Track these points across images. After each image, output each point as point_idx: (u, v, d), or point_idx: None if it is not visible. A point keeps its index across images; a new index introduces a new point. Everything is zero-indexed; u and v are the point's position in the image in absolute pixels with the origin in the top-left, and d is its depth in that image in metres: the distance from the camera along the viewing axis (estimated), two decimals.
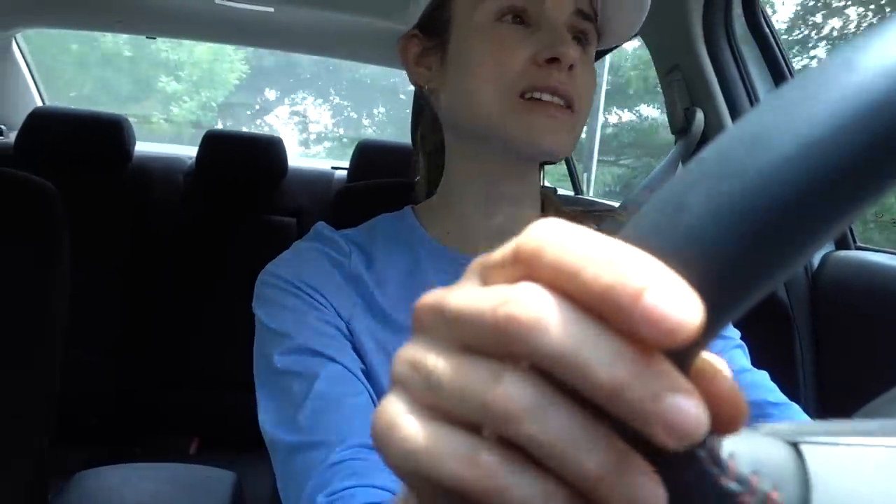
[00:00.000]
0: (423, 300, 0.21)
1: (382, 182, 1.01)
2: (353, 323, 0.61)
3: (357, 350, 0.60)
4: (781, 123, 0.17)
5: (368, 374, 0.59)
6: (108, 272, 1.97)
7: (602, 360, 0.17)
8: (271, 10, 1.74)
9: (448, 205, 0.67)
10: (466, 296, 0.20)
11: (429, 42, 0.66)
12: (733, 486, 0.18)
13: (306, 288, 0.61)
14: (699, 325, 0.16)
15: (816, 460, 0.19)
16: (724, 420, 0.19)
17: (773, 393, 0.62)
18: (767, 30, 1.18)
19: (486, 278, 0.21)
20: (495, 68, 0.59)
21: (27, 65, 2.33)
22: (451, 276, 0.68)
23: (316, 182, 2.25)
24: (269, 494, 0.91)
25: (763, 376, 0.64)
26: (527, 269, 0.19)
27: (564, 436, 0.17)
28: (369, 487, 0.49)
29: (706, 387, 0.18)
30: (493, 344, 0.19)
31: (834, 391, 1.06)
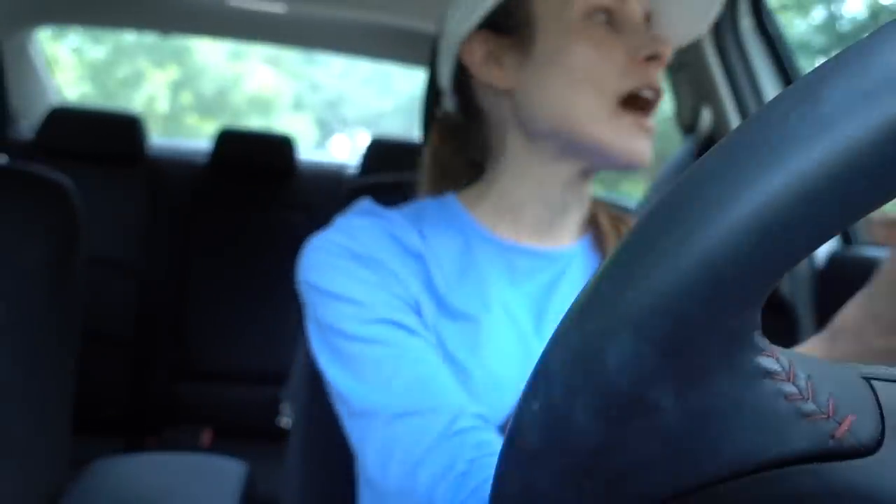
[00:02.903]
0: None
1: (394, 178, 1.02)
2: (419, 301, 0.59)
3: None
4: None
5: None
6: (122, 265, 2.00)
7: None
8: (282, 9, 1.76)
9: (497, 198, 0.65)
10: None
11: (501, 40, 0.62)
12: (810, 406, 0.18)
13: (371, 261, 0.58)
14: None
15: (888, 396, 0.19)
16: None
17: None
18: (774, 28, 1.18)
19: None
20: (595, 70, 0.56)
21: (42, 61, 2.36)
22: (501, 263, 0.64)
23: (327, 178, 2.27)
24: (280, 485, 0.92)
25: None
26: None
27: None
28: None
29: None
30: None
31: None
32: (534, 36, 0.60)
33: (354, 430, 0.55)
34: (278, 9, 1.77)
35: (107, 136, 2.01)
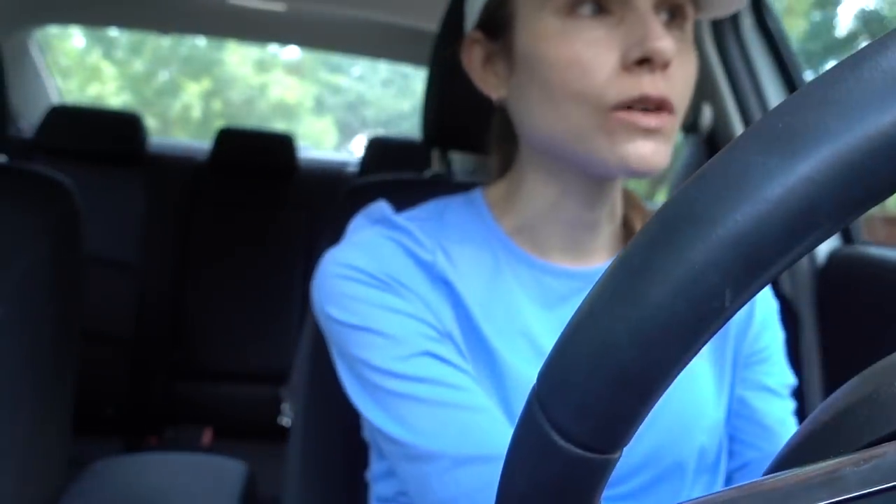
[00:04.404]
0: None
1: (395, 177, 1.01)
2: (451, 332, 0.53)
3: None
4: None
5: None
6: (122, 264, 2.00)
7: None
8: (282, 7, 1.76)
9: (519, 208, 0.58)
10: None
11: (492, 45, 0.55)
12: None
13: (397, 285, 0.52)
14: None
15: None
16: None
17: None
18: (775, 26, 1.18)
19: None
20: (577, 80, 0.47)
21: (42, 61, 2.36)
22: (533, 284, 0.58)
23: (326, 176, 2.27)
24: (280, 485, 0.92)
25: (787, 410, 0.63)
26: None
27: None
28: None
29: None
30: None
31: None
32: (514, 39, 0.53)
33: (411, 474, 0.50)
34: (278, 7, 1.76)
35: (106, 135, 2.00)
